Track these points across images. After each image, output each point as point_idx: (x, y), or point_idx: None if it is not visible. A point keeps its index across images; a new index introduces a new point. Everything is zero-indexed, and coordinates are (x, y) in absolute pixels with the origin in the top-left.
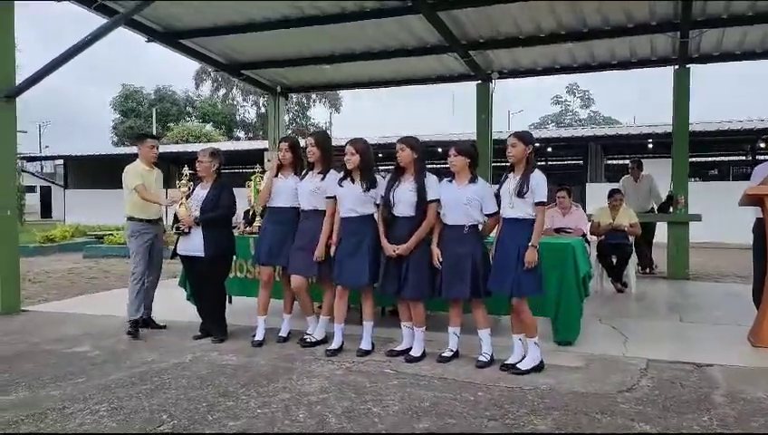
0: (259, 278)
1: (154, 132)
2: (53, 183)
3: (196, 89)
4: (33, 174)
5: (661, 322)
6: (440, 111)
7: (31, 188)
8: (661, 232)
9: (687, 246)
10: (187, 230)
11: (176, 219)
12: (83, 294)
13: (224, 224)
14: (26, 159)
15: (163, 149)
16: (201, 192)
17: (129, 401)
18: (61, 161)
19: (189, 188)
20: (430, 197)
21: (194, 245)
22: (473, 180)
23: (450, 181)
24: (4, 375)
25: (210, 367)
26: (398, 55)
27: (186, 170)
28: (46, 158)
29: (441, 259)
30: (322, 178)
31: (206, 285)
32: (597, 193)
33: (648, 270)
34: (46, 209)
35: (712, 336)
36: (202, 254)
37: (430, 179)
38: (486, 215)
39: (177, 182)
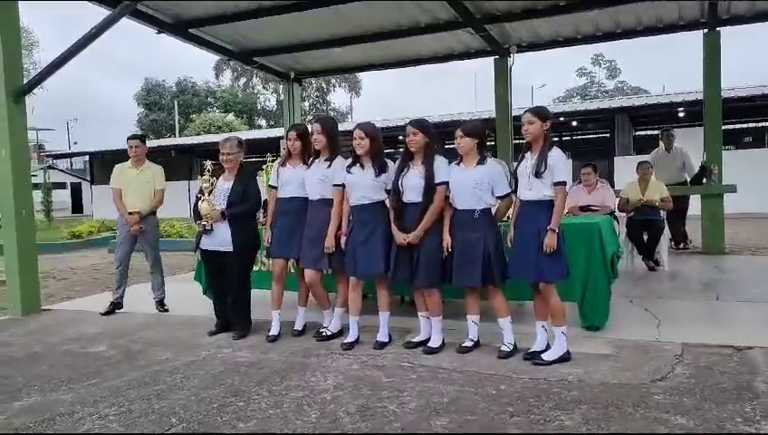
0: (272, 271)
1: (176, 125)
2: (83, 179)
3: (216, 79)
4: (63, 171)
5: (696, 301)
6: (463, 91)
7: (61, 185)
8: (694, 205)
9: (722, 218)
10: (209, 226)
11: (197, 215)
12: (106, 290)
13: (250, 217)
14: (54, 156)
15: (185, 141)
16: (225, 184)
17: (140, 404)
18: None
19: (212, 184)
20: (437, 180)
21: (220, 239)
22: (481, 162)
23: (458, 164)
24: (18, 379)
25: (223, 364)
26: (411, 34)
27: (208, 165)
28: (73, 154)
29: (452, 246)
30: (329, 166)
31: (233, 279)
32: (625, 166)
33: (682, 245)
34: (77, 205)
35: (752, 316)
36: (230, 249)
37: (439, 163)
38: (498, 197)
39: (199, 177)
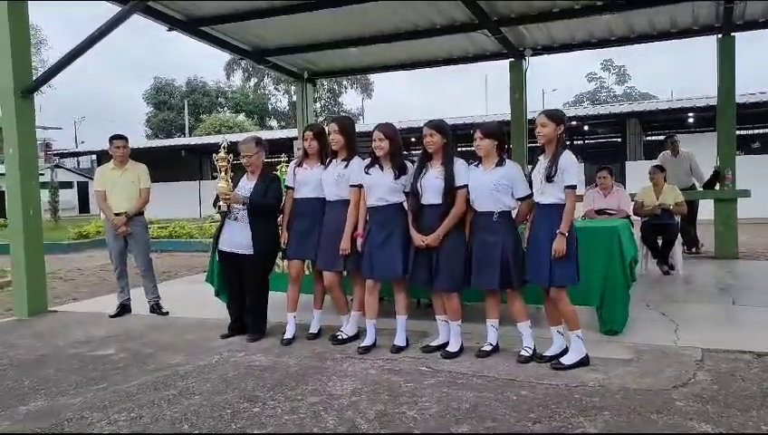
0: (288, 273)
1: (186, 124)
2: (90, 178)
3: (227, 79)
4: (69, 170)
5: (713, 306)
6: (475, 93)
7: (68, 184)
8: (705, 209)
9: (736, 223)
10: (226, 208)
11: (218, 198)
12: (113, 292)
13: (271, 218)
14: (61, 155)
15: (196, 141)
16: (248, 184)
17: (151, 409)
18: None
19: (228, 162)
20: (458, 182)
21: (240, 242)
22: (500, 163)
23: (477, 166)
24: (24, 383)
25: (237, 369)
26: (426, 35)
27: (225, 142)
28: (81, 153)
29: (470, 248)
30: (346, 166)
31: (251, 281)
32: (636, 171)
33: (694, 250)
34: (84, 205)
35: None
36: (250, 251)
37: (458, 165)
38: (518, 199)
39: (215, 155)
